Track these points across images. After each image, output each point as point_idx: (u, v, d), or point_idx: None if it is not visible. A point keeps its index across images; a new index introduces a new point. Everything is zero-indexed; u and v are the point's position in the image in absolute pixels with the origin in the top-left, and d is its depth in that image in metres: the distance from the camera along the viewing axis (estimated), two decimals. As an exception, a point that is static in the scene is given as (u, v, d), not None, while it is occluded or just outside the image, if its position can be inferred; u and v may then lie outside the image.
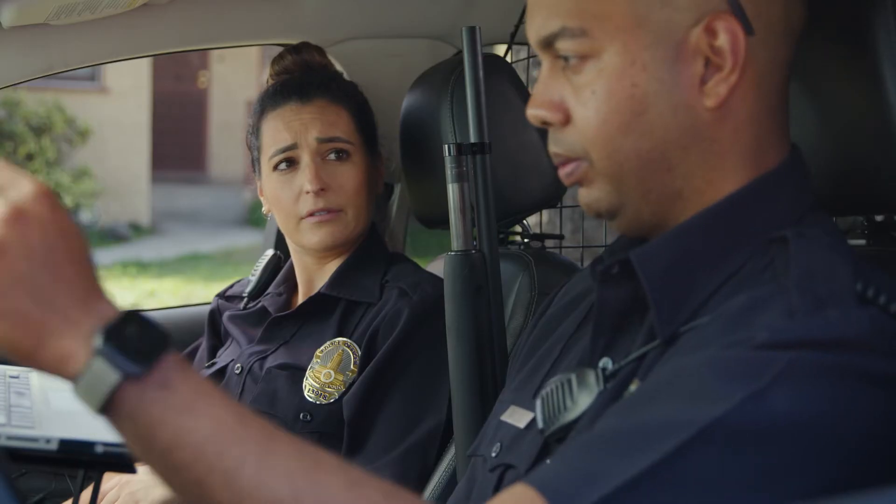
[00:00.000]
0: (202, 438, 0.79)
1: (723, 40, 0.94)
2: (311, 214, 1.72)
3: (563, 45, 0.97)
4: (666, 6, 0.94)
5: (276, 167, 1.76)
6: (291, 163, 1.74)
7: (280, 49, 1.89)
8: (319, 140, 1.73)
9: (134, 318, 0.79)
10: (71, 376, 0.78)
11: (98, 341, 0.77)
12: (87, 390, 0.78)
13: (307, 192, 1.72)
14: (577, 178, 1.00)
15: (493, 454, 1.11)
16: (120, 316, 0.79)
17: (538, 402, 1.02)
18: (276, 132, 1.75)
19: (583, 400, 0.97)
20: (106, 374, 0.77)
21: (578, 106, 0.97)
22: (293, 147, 1.74)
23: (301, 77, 1.82)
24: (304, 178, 1.72)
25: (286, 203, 1.74)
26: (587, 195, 1.01)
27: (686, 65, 0.94)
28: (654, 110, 0.95)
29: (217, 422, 0.80)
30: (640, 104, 0.95)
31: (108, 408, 0.78)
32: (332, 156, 1.74)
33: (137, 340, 0.78)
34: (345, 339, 1.71)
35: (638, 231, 1.02)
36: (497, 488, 1.07)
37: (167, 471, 0.80)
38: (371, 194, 1.79)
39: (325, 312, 1.76)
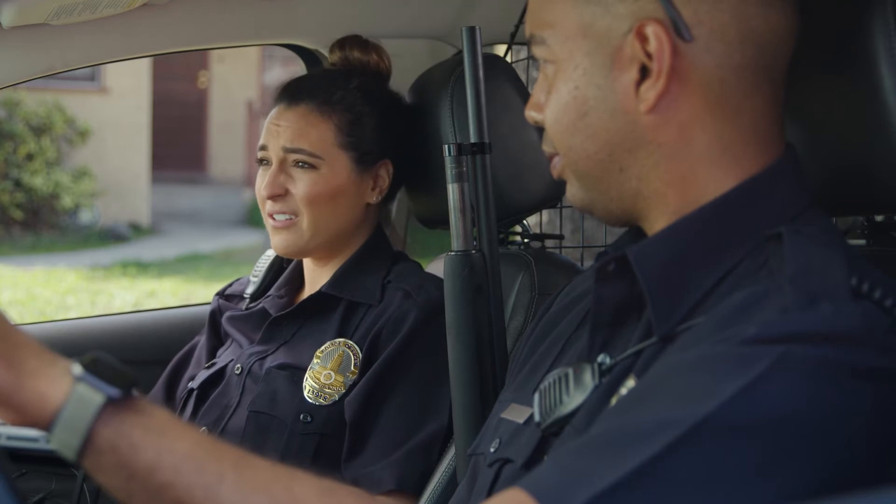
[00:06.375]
0: (181, 456, 0.84)
1: (653, 46, 0.96)
2: (271, 216, 1.77)
3: (535, 51, 1.04)
4: (607, 14, 0.98)
5: (258, 161, 1.81)
6: (266, 162, 1.78)
7: (280, 49, 1.90)
8: (285, 149, 1.75)
9: (100, 357, 0.86)
10: (51, 411, 0.83)
11: (77, 370, 0.84)
12: (69, 422, 0.83)
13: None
14: (559, 172, 1.06)
15: (492, 450, 1.11)
16: (89, 355, 0.85)
17: (536, 396, 1.04)
18: (263, 130, 1.80)
19: (578, 394, 0.99)
20: (90, 397, 0.83)
21: (545, 107, 1.03)
22: (264, 148, 1.79)
23: (300, 79, 1.84)
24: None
25: (259, 197, 1.79)
26: (568, 189, 1.07)
27: (622, 70, 0.98)
28: (594, 114, 0.99)
29: (193, 441, 0.85)
30: (582, 107, 1.00)
31: (88, 441, 0.83)
32: (299, 163, 1.75)
33: (111, 371, 0.84)
34: (345, 339, 1.71)
35: (618, 224, 1.07)
36: (494, 483, 1.08)
37: (149, 497, 0.84)
38: (341, 204, 1.76)
39: (326, 312, 1.76)
